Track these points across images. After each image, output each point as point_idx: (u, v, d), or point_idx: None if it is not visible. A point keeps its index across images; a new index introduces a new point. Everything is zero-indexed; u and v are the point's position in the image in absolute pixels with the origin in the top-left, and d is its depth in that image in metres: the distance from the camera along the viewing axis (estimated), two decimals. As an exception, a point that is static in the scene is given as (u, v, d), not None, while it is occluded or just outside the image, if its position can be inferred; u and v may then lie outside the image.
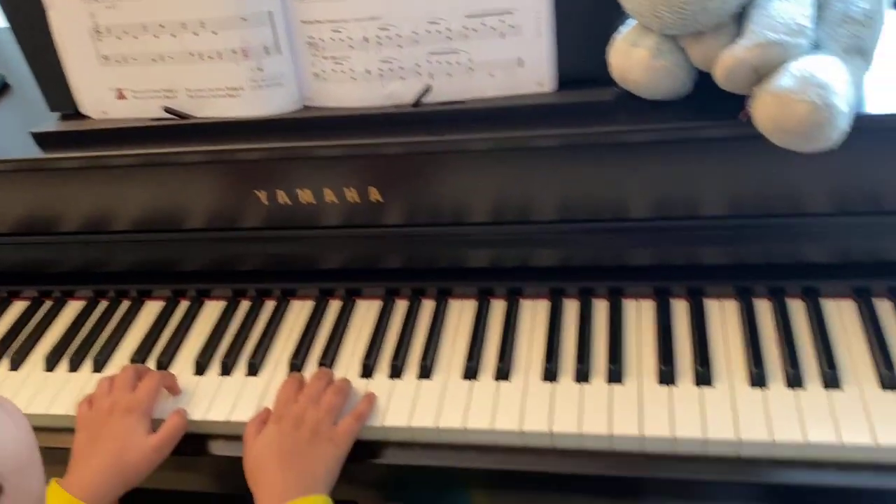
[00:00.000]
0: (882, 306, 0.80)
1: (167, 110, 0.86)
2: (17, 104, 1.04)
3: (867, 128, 0.69)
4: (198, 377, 0.88)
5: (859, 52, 0.67)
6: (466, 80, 0.79)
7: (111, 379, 0.84)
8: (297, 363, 0.86)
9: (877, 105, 0.71)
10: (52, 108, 0.93)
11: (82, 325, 0.98)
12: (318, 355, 0.87)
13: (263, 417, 0.79)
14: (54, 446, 0.86)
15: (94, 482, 0.75)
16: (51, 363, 0.93)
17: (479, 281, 0.90)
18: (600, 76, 0.77)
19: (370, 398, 0.80)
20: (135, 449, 0.78)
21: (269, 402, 0.82)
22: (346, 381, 0.82)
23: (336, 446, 0.76)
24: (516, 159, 0.79)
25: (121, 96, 0.88)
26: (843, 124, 0.63)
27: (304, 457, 0.74)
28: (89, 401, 0.83)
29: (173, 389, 0.85)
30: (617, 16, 0.74)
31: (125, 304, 1.00)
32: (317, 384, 0.81)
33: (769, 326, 0.80)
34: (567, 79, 0.79)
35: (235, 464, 0.80)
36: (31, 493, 0.51)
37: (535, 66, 0.78)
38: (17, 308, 1.03)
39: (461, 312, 0.89)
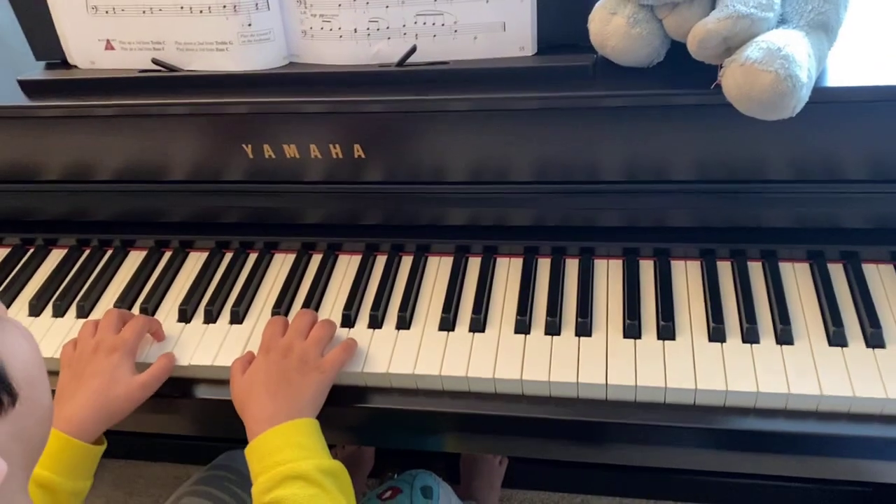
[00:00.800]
0: (834, 269, 0.85)
1: (155, 62, 0.88)
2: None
3: (827, 100, 0.74)
4: (182, 324, 0.91)
5: (823, 28, 0.71)
6: (450, 42, 0.82)
7: (95, 322, 0.86)
8: (279, 312, 0.89)
9: (836, 79, 0.75)
10: (38, 57, 0.94)
11: (66, 272, 0.99)
12: (300, 305, 0.90)
13: (249, 358, 0.82)
14: (39, 388, 0.89)
15: (79, 416, 0.77)
16: (35, 308, 0.95)
17: (457, 238, 0.93)
18: (579, 42, 0.80)
19: (353, 340, 0.84)
20: (121, 385, 0.79)
21: (253, 349, 0.85)
22: (330, 320, 0.85)
23: (323, 373, 0.78)
24: (496, 120, 0.82)
25: (109, 47, 0.89)
26: (803, 95, 0.67)
27: (292, 384, 0.77)
28: (74, 343, 0.85)
29: (157, 335, 0.88)
30: (597, -16, 0.77)
31: (108, 253, 1.01)
32: (303, 319, 0.83)
33: (729, 286, 0.85)
34: (547, 44, 0.82)
35: (219, 407, 0.84)
36: (42, 405, 0.54)
37: (518, 30, 0.81)
38: (-1, 254, 1.05)
39: (439, 268, 0.92)
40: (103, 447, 0.80)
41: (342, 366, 0.81)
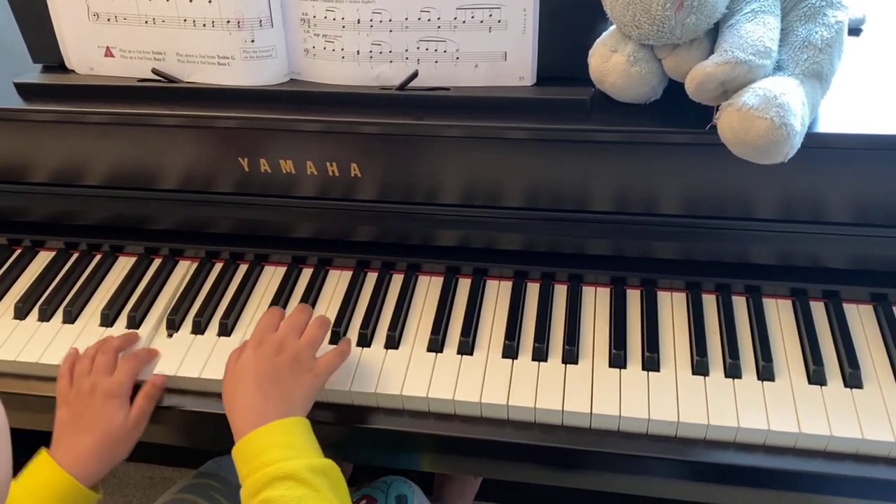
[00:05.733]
0: (816, 307, 0.87)
1: (155, 72, 0.87)
2: (-5, 51, 1.03)
3: (817, 145, 0.75)
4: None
5: (817, 76, 0.73)
6: (451, 69, 0.83)
7: (91, 358, 0.85)
8: (268, 326, 0.90)
9: (826, 125, 0.77)
10: (36, 60, 0.94)
11: (53, 275, 0.99)
12: (289, 320, 0.90)
13: (244, 348, 0.81)
14: (22, 392, 0.89)
15: (84, 461, 0.78)
16: (20, 312, 0.94)
17: (448, 259, 0.94)
18: (578, 76, 0.81)
19: (349, 340, 0.84)
20: (117, 431, 0.80)
21: (241, 363, 0.85)
22: (326, 318, 0.84)
23: (315, 376, 0.78)
24: (493, 147, 0.83)
25: (109, 54, 0.89)
26: (796, 142, 0.69)
27: (283, 383, 0.76)
28: (69, 376, 0.84)
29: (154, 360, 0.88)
30: (599, 20, 0.78)
31: (97, 258, 1.01)
32: (299, 316, 0.82)
33: (713, 319, 0.87)
34: (547, 75, 0.83)
35: (205, 420, 0.84)
36: (3, 469, 0.53)
37: (518, 60, 0.82)
38: (-15, 255, 1.04)
39: (429, 287, 0.93)
40: (100, 497, 0.80)
41: (334, 370, 0.80)
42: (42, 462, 0.77)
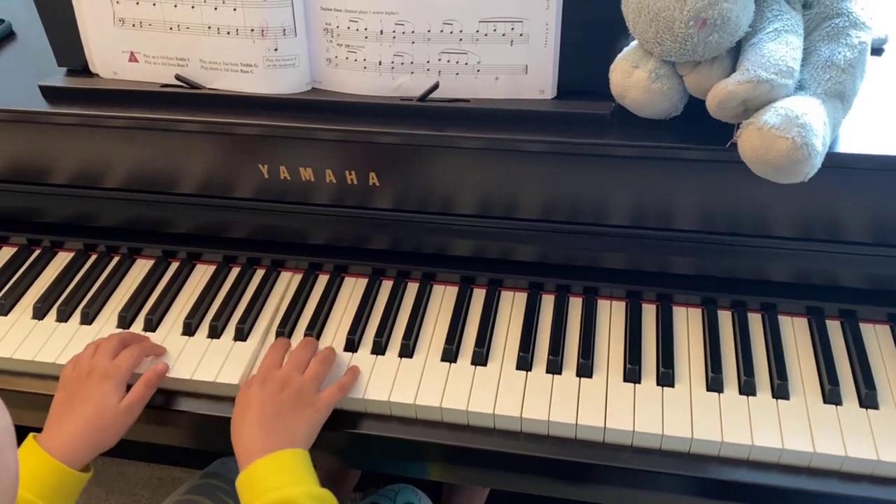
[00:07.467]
0: (832, 326, 0.87)
1: (179, 78, 0.88)
2: (21, 53, 1.04)
3: (837, 165, 0.75)
4: (186, 337, 0.91)
5: (839, 96, 0.73)
6: (472, 81, 0.83)
7: (97, 343, 0.86)
8: (283, 332, 0.90)
9: (846, 145, 0.77)
10: (60, 63, 0.95)
11: (72, 276, 1.00)
12: (304, 326, 0.91)
13: (251, 384, 0.82)
14: (39, 392, 0.89)
15: (70, 443, 0.78)
16: (39, 312, 0.95)
17: (464, 269, 0.94)
18: (598, 90, 0.81)
19: (354, 371, 0.84)
20: (108, 413, 0.80)
21: (257, 367, 0.86)
22: (330, 350, 0.86)
23: (317, 411, 0.80)
24: (511, 160, 0.84)
25: (133, 59, 0.90)
26: (817, 162, 0.69)
27: (285, 419, 0.78)
28: (74, 363, 0.85)
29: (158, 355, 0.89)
30: (620, 35, 0.79)
31: (115, 260, 1.02)
32: (302, 353, 0.84)
33: (729, 336, 0.87)
34: (567, 88, 0.84)
35: (221, 423, 0.84)
36: (10, 474, 0.53)
37: (539, 73, 0.82)
38: (4, 254, 1.04)
39: (444, 297, 0.94)
40: (90, 475, 0.81)
41: (336, 403, 0.82)
42: (28, 448, 0.77)
